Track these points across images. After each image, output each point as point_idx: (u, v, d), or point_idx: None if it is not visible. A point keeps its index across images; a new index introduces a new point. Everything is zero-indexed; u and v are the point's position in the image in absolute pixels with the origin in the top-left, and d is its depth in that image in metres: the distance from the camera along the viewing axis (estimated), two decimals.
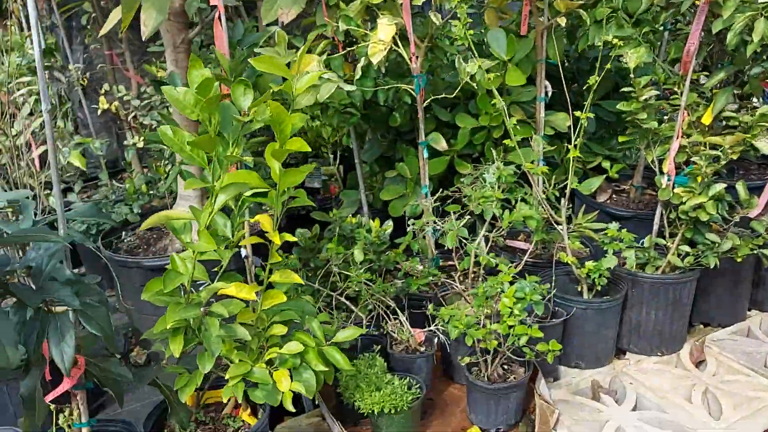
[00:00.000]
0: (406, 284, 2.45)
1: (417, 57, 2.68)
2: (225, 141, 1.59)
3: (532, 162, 3.05)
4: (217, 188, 1.60)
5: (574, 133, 2.59)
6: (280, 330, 1.85)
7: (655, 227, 2.76)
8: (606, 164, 3.42)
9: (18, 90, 3.84)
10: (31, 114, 3.78)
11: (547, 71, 3.09)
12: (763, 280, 2.96)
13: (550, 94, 3.07)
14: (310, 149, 1.73)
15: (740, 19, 2.31)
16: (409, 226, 2.92)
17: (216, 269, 1.85)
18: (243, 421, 1.94)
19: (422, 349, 2.33)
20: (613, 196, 3.55)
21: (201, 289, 1.81)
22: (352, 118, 3.23)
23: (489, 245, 2.68)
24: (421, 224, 2.38)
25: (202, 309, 1.69)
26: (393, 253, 2.58)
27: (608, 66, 2.62)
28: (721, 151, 2.49)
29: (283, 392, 1.76)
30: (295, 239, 1.83)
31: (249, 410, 1.95)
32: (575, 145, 2.56)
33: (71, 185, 3.94)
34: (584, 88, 2.70)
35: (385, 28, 2.62)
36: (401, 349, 2.35)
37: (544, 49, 2.98)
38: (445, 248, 2.59)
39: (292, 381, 1.81)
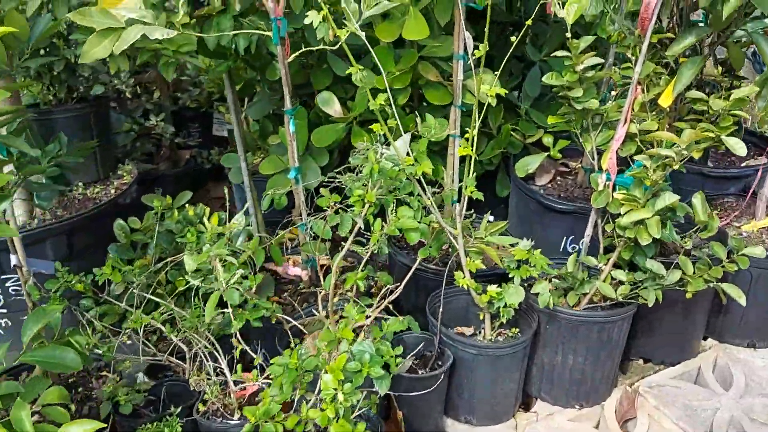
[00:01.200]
0: (228, 319, 1.79)
1: None
2: None
3: (446, 139, 2.35)
4: None
5: (485, 111, 1.89)
6: None
7: (585, 241, 2.11)
8: (547, 140, 2.72)
9: None
10: None
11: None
12: (725, 306, 2.33)
13: (471, 49, 2.34)
14: None
15: None
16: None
17: None
18: None
19: (237, 417, 1.70)
20: (557, 179, 2.88)
21: None
22: (220, 66, 2.50)
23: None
24: (211, 234, 1.68)
25: None
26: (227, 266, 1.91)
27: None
28: (674, 151, 1.80)
29: None
30: None
31: None
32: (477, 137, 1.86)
33: None
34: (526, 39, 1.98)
35: None
36: (215, 410, 1.72)
37: None
38: None
39: None
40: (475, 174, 3.07)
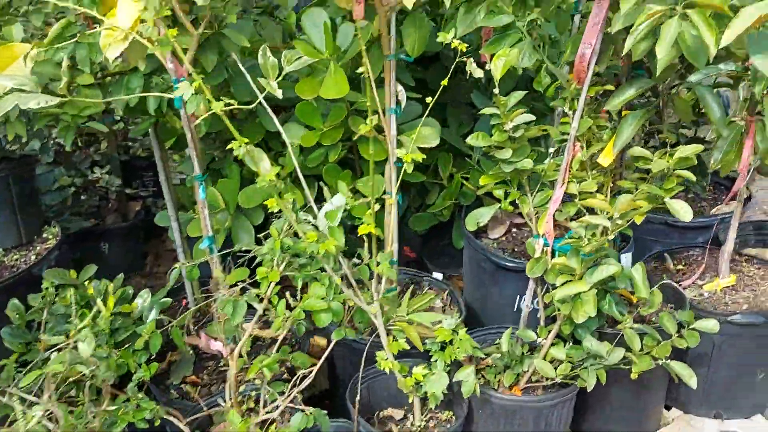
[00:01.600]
0: (113, 418, 1.60)
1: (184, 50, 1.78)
2: None
3: (381, 199, 2.17)
4: None
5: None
6: None
7: (524, 313, 1.93)
8: (498, 191, 2.54)
9: None
10: None
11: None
12: None
13: (404, 102, 2.17)
14: None
15: (642, 19, 1.42)
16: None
17: None
18: None
19: None
20: (513, 230, 2.69)
21: None
22: (143, 124, 2.36)
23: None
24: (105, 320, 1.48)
25: None
26: (120, 354, 1.71)
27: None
28: (609, 219, 1.62)
29: None
30: None
31: None
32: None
33: None
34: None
35: (127, 7, 1.72)
36: None
37: (392, 41, 2.06)
38: None
39: None
40: (426, 226, 2.92)
